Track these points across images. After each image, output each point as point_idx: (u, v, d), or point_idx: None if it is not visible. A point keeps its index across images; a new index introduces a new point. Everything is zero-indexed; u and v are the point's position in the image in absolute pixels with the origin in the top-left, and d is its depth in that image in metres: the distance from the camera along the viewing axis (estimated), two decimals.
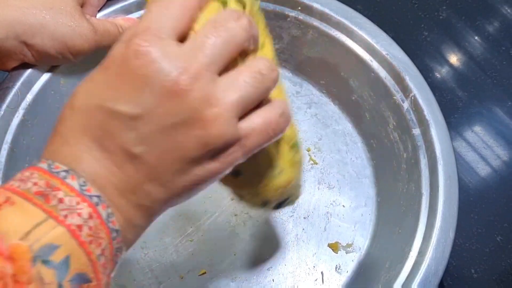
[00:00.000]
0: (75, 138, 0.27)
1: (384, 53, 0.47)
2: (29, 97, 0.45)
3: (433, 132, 0.44)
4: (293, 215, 0.47)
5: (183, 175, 0.27)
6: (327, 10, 0.49)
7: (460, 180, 0.54)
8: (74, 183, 0.25)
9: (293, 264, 0.45)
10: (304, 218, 0.47)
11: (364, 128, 0.51)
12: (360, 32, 0.48)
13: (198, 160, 0.27)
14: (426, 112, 0.44)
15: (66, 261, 0.24)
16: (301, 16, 0.50)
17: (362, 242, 0.46)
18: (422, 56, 0.63)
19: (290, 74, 0.54)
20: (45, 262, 0.23)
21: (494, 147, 0.57)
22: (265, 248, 0.45)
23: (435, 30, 0.64)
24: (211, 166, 0.27)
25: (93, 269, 0.25)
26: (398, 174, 0.46)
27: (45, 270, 0.23)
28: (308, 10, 0.50)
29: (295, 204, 0.44)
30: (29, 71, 0.45)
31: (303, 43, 0.52)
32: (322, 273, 0.44)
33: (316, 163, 0.49)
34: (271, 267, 0.44)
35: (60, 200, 0.24)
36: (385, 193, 0.47)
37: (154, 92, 0.25)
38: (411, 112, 0.45)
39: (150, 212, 0.28)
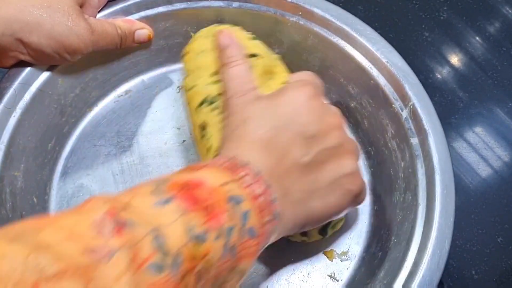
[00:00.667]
0: (263, 149, 0.36)
1: (384, 60, 0.47)
2: (27, 96, 0.45)
3: (431, 141, 0.43)
4: None
5: (332, 191, 0.38)
6: (327, 16, 0.49)
7: (460, 181, 0.55)
8: (252, 170, 0.33)
9: (287, 271, 0.44)
10: None
11: (362, 135, 0.51)
12: (360, 39, 0.48)
13: (339, 180, 0.38)
14: (424, 121, 0.44)
15: (246, 214, 0.31)
16: (302, 22, 0.50)
17: (357, 250, 0.45)
18: (423, 56, 0.62)
19: None
20: (236, 205, 0.31)
21: (495, 148, 0.57)
22: (260, 254, 0.45)
23: (436, 31, 0.64)
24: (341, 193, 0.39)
25: (260, 230, 0.32)
26: (395, 182, 0.46)
27: (234, 211, 0.30)
28: (309, 15, 0.49)
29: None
30: (27, 70, 0.45)
31: (303, 48, 0.51)
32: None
33: None
34: (265, 273, 0.44)
35: (243, 176, 0.33)
36: (381, 202, 0.47)
37: (325, 123, 0.38)
38: (410, 121, 0.45)
39: (296, 222, 0.37)
